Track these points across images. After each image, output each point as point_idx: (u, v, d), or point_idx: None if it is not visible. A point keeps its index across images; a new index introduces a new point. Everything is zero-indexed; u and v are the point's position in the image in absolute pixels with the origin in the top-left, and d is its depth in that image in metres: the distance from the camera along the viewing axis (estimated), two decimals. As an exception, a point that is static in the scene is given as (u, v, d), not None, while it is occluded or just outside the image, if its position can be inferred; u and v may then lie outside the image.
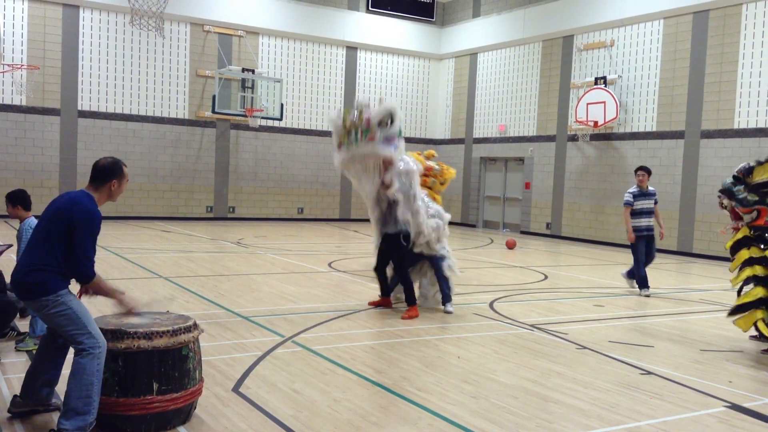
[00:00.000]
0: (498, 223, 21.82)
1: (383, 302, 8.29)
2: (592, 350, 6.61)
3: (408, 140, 24.48)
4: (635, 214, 9.97)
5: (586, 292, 10.31)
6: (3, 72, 17.15)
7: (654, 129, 16.99)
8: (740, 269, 6.87)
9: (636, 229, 9.95)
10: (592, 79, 18.27)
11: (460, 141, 23.14)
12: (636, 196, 10.02)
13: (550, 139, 19.74)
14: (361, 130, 7.57)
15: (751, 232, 6.86)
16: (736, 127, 15.25)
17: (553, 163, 19.61)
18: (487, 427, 4.46)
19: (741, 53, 15.20)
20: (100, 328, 4.11)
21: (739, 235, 6.92)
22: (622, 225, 17.45)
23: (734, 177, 7.09)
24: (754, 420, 4.82)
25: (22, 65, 17.55)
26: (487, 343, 6.73)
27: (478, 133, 22.41)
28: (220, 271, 10.87)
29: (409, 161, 8.03)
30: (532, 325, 7.60)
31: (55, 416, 4.29)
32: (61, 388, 4.55)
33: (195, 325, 4.39)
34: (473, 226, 22.39)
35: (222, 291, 8.97)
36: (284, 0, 20.94)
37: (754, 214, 6.92)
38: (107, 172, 4.19)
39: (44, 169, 18.31)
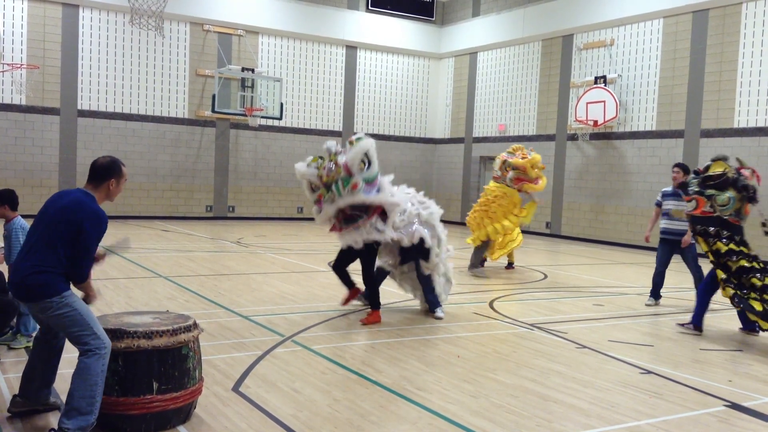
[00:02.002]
0: (498, 223, 21.79)
1: (352, 294, 7.82)
2: (592, 349, 6.61)
3: (407, 140, 24.69)
4: (663, 214, 9.16)
5: (586, 292, 10.31)
6: (3, 71, 17.15)
7: (654, 128, 16.99)
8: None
9: (661, 231, 9.15)
10: (592, 78, 18.27)
11: (459, 140, 23.14)
12: (665, 196, 9.20)
13: (549, 138, 19.74)
14: (341, 179, 6.89)
15: (697, 227, 7.27)
16: (735, 126, 15.25)
17: (552, 162, 19.60)
18: (487, 426, 4.46)
19: (741, 52, 15.20)
20: (100, 328, 4.11)
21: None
22: (621, 224, 17.50)
23: (694, 171, 7.57)
24: (753, 419, 4.82)
25: (22, 64, 17.54)
26: (486, 343, 6.73)
27: (477, 133, 22.41)
28: (219, 270, 10.87)
29: (402, 198, 7.58)
30: (531, 325, 7.60)
31: (55, 415, 4.29)
32: (59, 386, 4.55)
33: (195, 325, 4.39)
34: (473, 225, 22.35)
35: (222, 290, 8.97)
36: (284, -1, 20.95)
37: (693, 203, 7.32)
38: (105, 171, 4.18)
39: (44, 169, 18.30)
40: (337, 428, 4.33)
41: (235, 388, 5.01)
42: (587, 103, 18.05)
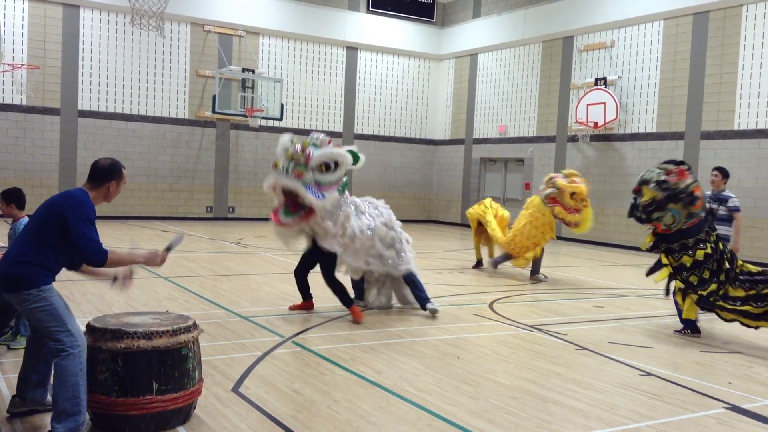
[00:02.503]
0: (498, 224, 21.79)
1: (305, 306, 7.93)
2: (592, 351, 6.61)
3: (408, 141, 24.70)
4: None
5: (586, 293, 10.31)
6: (3, 71, 17.15)
7: (654, 130, 16.99)
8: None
9: None
10: (593, 79, 18.27)
11: (460, 141, 23.14)
12: (705, 199, 9.19)
13: (550, 139, 19.74)
14: (296, 162, 7.08)
15: (662, 245, 7.42)
16: (736, 128, 15.25)
17: (553, 163, 19.60)
18: (486, 427, 4.46)
19: (741, 54, 15.20)
20: (99, 328, 4.11)
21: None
22: (621, 226, 17.48)
23: (633, 191, 7.61)
24: (753, 421, 4.82)
25: (23, 65, 17.55)
26: (486, 344, 6.73)
27: (478, 134, 22.41)
28: (219, 271, 10.87)
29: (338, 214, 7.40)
30: (531, 326, 7.60)
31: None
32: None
33: (195, 325, 4.39)
34: (473, 226, 22.35)
35: (222, 291, 8.97)
36: (284, 0, 20.94)
37: (652, 227, 7.51)
38: (106, 173, 4.18)
39: (44, 169, 18.31)
40: (336, 429, 4.33)
41: (235, 389, 5.01)
42: (587, 105, 18.06)
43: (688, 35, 16.28)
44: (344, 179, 7.51)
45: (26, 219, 5.97)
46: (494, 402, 4.97)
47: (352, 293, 8.13)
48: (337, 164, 7.25)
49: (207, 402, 4.65)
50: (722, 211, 8.73)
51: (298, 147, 7.17)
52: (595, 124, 17.88)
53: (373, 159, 22.96)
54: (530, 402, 5.02)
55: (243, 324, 7.15)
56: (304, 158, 7.08)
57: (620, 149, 17.79)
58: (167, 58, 19.69)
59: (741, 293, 7.11)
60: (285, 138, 7.34)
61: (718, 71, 15.63)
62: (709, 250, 7.23)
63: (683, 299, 7.45)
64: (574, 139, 18.93)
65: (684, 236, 7.26)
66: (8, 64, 17.19)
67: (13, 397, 4.37)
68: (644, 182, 7.44)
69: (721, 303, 7.12)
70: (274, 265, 11.69)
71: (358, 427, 4.37)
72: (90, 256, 3.99)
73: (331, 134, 21.89)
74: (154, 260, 4.34)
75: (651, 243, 7.54)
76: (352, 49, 22.40)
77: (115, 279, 4.45)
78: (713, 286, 7.16)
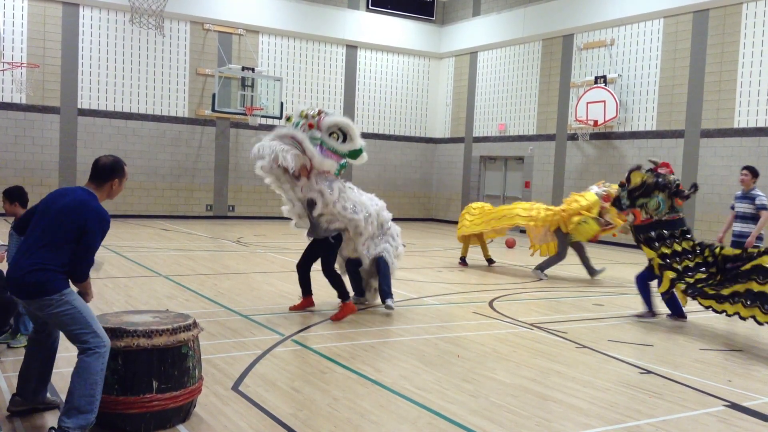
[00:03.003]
0: (498, 222, 21.79)
1: (305, 304, 7.83)
2: (592, 349, 6.62)
3: (407, 139, 24.68)
4: (736, 218, 9.09)
5: (586, 291, 10.31)
6: (3, 70, 17.14)
7: (654, 128, 16.99)
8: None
9: (734, 234, 9.07)
10: (592, 78, 18.27)
11: (459, 140, 23.14)
12: (736, 199, 9.14)
13: (550, 138, 19.74)
14: (307, 121, 7.27)
15: (640, 236, 7.73)
16: (735, 126, 15.25)
17: (553, 162, 19.61)
18: (486, 425, 4.46)
19: (741, 52, 15.20)
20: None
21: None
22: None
23: (620, 184, 8.04)
24: (753, 419, 4.82)
25: (22, 63, 17.54)
26: (486, 342, 6.73)
27: (477, 132, 22.41)
28: (219, 269, 10.87)
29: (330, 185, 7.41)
30: (531, 324, 7.60)
31: (53, 414, 4.29)
32: (60, 385, 4.55)
33: (194, 324, 4.39)
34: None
35: (221, 289, 8.97)
36: (284, -2, 20.94)
37: (631, 216, 7.86)
38: (109, 171, 4.17)
39: (44, 168, 18.31)
40: (336, 427, 4.33)
41: (235, 387, 5.01)
42: (587, 103, 18.06)
43: (688, 33, 16.27)
44: (343, 161, 7.53)
45: None
46: (494, 400, 4.98)
47: (351, 291, 8.12)
48: (345, 137, 7.36)
49: (207, 400, 4.65)
50: (749, 209, 8.91)
51: (315, 110, 7.36)
52: (595, 122, 17.88)
53: (372, 157, 22.85)
54: (530, 400, 5.02)
55: (243, 322, 7.15)
56: (317, 121, 7.23)
57: (620, 147, 17.78)
58: (167, 57, 19.67)
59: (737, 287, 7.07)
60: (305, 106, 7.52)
61: (717, 69, 15.63)
62: (681, 248, 7.51)
63: (669, 282, 7.57)
64: (574, 137, 18.93)
65: (664, 227, 7.60)
66: (8, 63, 17.17)
67: (13, 395, 4.37)
68: (635, 169, 7.89)
69: (709, 291, 7.16)
70: (274, 264, 11.69)
71: (359, 426, 4.37)
72: (78, 272, 4.06)
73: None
74: (90, 298, 4.32)
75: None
76: (351, 48, 22.38)
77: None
78: (701, 275, 7.34)
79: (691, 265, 7.43)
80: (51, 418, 4.25)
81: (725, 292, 7.03)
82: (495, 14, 21.54)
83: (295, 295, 8.74)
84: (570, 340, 6.93)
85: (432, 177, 24.22)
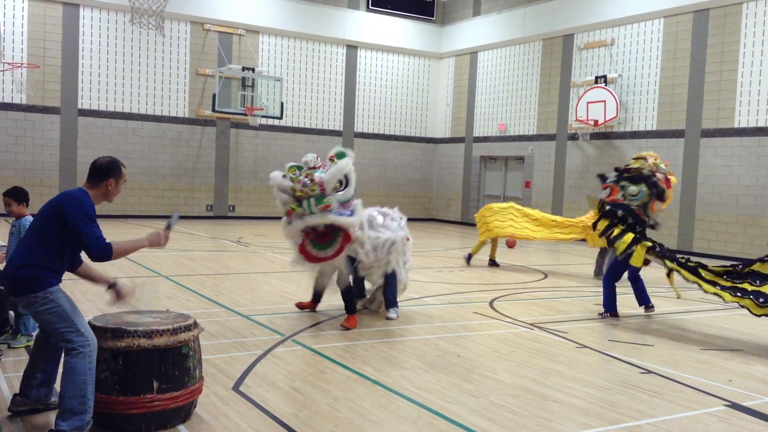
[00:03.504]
0: (498, 222, 21.79)
1: (309, 306, 7.82)
2: (592, 349, 6.62)
3: (408, 139, 24.68)
4: None
5: (586, 291, 10.31)
6: (3, 70, 17.15)
7: (654, 128, 16.99)
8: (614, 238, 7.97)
9: None
10: (593, 77, 18.27)
11: (460, 140, 23.14)
12: None
13: (550, 137, 19.74)
14: (314, 198, 6.62)
15: (606, 206, 8.06)
16: (736, 126, 15.24)
17: (553, 162, 19.61)
18: (487, 425, 4.46)
19: (741, 52, 15.19)
20: (100, 327, 4.11)
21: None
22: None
23: (615, 169, 8.38)
24: (753, 419, 4.82)
25: (23, 63, 17.54)
26: (487, 342, 6.73)
27: (478, 132, 22.41)
28: (220, 269, 10.87)
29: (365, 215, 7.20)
30: (532, 324, 7.60)
31: (54, 414, 4.29)
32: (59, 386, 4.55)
33: (195, 324, 4.39)
34: (474, 225, 22.35)
35: (222, 290, 8.97)
36: (284, -2, 20.94)
37: (608, 190, 8.18)
38: (104, 171, 4.18)
39: (44, 168, 18.31)
40: (337, 427, 4.33)
41: (236, 388, 5.01)
42: (588, 103, 18.06)
43: (689, 33, 16.27)
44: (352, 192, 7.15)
45: (30, 218, 5.99)
46: (495, 400, 4.98)
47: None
48: (347, 178, 6.88)
49: (207, 401, 4.65)
50: None
51: (306, 180, 6.69)
52: (596, 122, 17.88)
53: (373, 157, 22.97)
54: (531, 400, 5.02)
55: (243, 322, 7.15)
56: (319, 188, 6.63)
57: (620, 147, 17.78)
58: (167, 57, 19.68)
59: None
60: (278, 178, 6.90)
61: (718, 69, 15.63)
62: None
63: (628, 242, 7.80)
64: (574, 137, 18.93)
65: (629, 213, 7.87)
66: (8, 63, 17.18)
67: (15, 395, 4.37)
68: (643, 157, 8.20)
69: (681, 260, 7.49)
70: (274, 264, 11.69)
71: (359, 426, 4.38)
72: (94, 251, 3.98)
73: (332, 133, 21.93)
74: (159, 241, 4.29)
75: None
76: (352, 48, 22.39)
77: (112, 285, 4.36)
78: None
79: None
80: (52, 419, 4.25)
81: (705, 273, 7.25)
82: (495, 14, 21.54)
83: (296, 295, 8.74)
84: (570, 340, 6.93)
85: (432, 177, 24.22)
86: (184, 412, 4.29)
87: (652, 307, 8.47)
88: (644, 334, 7.44)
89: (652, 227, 8.09)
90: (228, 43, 20.44)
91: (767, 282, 6.82)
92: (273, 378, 5.28)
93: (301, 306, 7.90)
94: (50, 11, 18.16)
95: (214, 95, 19.52)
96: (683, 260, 7.54)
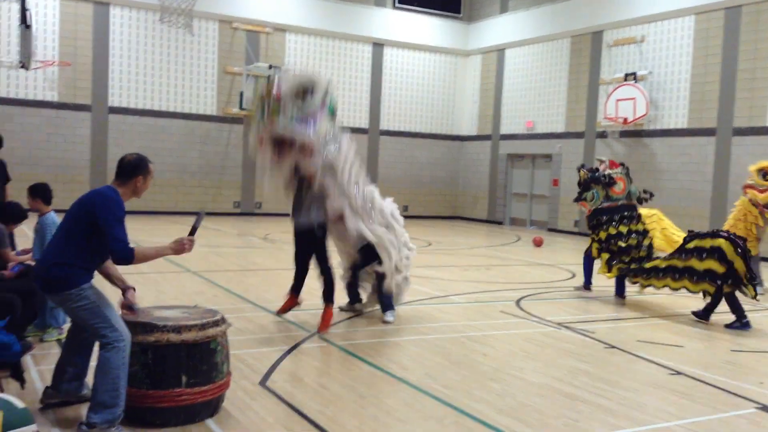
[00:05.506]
0: (525, 221, 21.68)
1: (289, 302, 7.24)
2: (621, 349, 6.55)
3: (434, 137, 24.55)
4: None
5: (614, 291, 10.18)
6: (35, 68, 17.43)
7: (685, 126, 16.74)
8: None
9: None
10: (622, 75, 18.05)
11: (486, 137, 23.02)
12: None
13: (578, 135, 19.56)
14: (269, 104, 6.29)
15: (588, 223, 9.23)
16: (769, 124, 14.97)
17: (581, 160, 19.38)
18: (513, 425, 4.44)
19: (775, 49, 14.91)
20: (130, 322, 4.16)
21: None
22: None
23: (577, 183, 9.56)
24: (786, 422, 4.74)
25: (54, 61, 17.83)
26: (513, 341, 6.70)
27: (505, 130, 22.27)
28: (247, 266, 10.95)
29: (338, 146, 6.67)
30: (559, 324, 7.54)
31: (86, 407, 4.35)
32: (91, 378, 4.61)
33: (223, 320, 4.43)
34: (500, 223, 22.28)
35: (249, 286, 9.04)
36: (312, -4, 21.01)
37: (582, 208, 9.56)
38: (133, 168, 4.22)
39: (75, 165, 18.58)
40: (362, 424, 4.34)
41: (262, 383, 5.04)
42: (617, 100, 17.85)
43: (720, 30, 16.00)
44: (329, 102, 6.65)
45: (52, 214, 6.08)
46: (521, 399, 4.95)
47: (345, 298, 7.74)
48: (312, 89, 6.41)
49: (235, 395, 4.69)
50: None
51: (263, 90, 6.44)
52: (625, 119, 17.67)
53: (399, 155, 22.95)
54: (558, 400, 4.98)
55: (270, 318, 7.19)
56: (275, 97, 6.29)
57: (650, 145, 17.56)
58: (195, 55, 19.85)
59: (661, 263, 8.32)
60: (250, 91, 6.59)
61: (750, 66, 15.35)
62: (616, 231, 8.80)
63: (607, 265, 8.96)
64: (603, 135, 18.73)
65: (600, 215, 8.96)
66: (40, 61, 17.46)
67: (46, 388, 4.44)
68: (579, 168, 9.47)
69: (643, 272, 8.45)
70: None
71: (385, 423, 4.38)
72: (117, 254, 4.02)
73: (358, 131, 21.95)
74: (182, 249, 4.17)
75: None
76: (378, 46, 22.38)
77: (127, 290, 4.37)
78: (629, 258, 8.71)
79: (623, 245, 8.74)
80: (83, 412, 4.30)
81: (647, 265, 8.39)
82: (523, 11, 21.38)
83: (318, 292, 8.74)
84: (598, 340, 6.87)
85: (458, 175, 24.14)
86: (212, 407, 4.33)
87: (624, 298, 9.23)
88: (673, 335, 7.35)
89: (640, 201, 9.21)
90: (255, 41, 20.56)
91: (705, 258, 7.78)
92: (299, 374, 5.31)
93: (282, 309, 7.32)
94: (81, 10, 18.42)
95: (241, 93, 19.65)
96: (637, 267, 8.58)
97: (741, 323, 7.73)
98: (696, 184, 16.23)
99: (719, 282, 7.70)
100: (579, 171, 9.44)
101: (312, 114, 6.41)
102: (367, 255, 7.19)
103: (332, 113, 6.72)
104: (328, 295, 6.99)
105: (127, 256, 3.98)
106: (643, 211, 11.76)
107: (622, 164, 9.42)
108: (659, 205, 17.05)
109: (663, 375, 5.76)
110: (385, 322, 7.21)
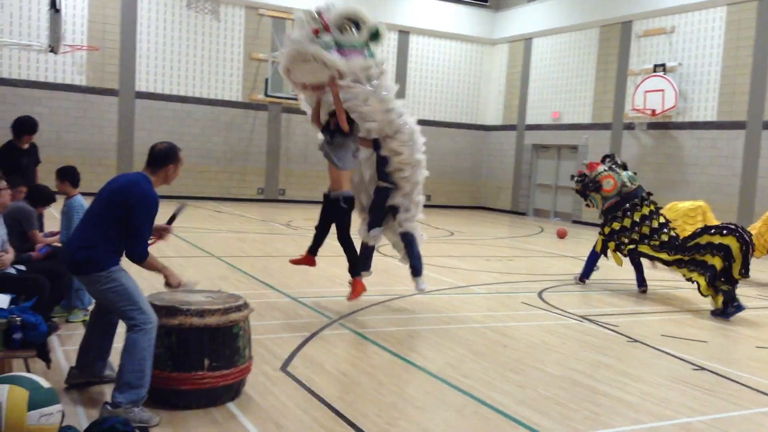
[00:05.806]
0: (549, 212, 21.54)
1: (305, 260, 7.33)
2: (643, 343, 6.49)
3: (458, 126, 24.44)
4: None
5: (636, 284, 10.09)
6: (64, 52, 17.62)
7: (714, 119, 16.49)
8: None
9: None
10: (651, 66, 17.80)
11: (512, 127, 22.86)
12: None
13: (605, 127, 19.35)
14: (310, 27, 6.33)
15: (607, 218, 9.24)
16: (801, 118, 14.69)
17: (608, 151, 19.19)
18: (533, 417, 4.43)
19: (809, 41, 14.60)
20: (154, 305, 4.21)
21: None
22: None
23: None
24: (811, 421, 4.67)
25: (83, 46, 18.01)
26: (535, 333, 6.67)
27: (530, 120, 22.10)
28: (270, 252, 11.01)
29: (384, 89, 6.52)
30: (581, 316, 7.50)
31: (109, 388, 4.41)
32: (114, 359, 4.68)
33: (245, 304, 4.46)
34: (524, 214, 22.15)
35: (272, 272, 9.09)
36: (338, -17, 20.93)
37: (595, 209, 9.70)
38: (165, 157, 4.26)
39: (102, 148, 18.79)
40: (381, 411, 4.35)
41: (283, 368, 5.08)
42: (645, 92, 17.62)
43: (752, 21, 15.70)
44: (368, 52, 6.58)
45: (79, 197, 6.17)
46: (542, 391, 4.93)
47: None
48: (358, 24, 6.38)
49: (256, 380, 4.72)
50: None
51: (313, 12, 6.48)
52: (653, 111, 17.45)
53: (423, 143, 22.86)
54: (579, 393, 4.96)
55: (292, 304, 7.23)
56: (323, 25, 6.29)
57: (678, 138, 17.33)
58: (222, 42, 19.92)
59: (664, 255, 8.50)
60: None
61: (784, 58, 15.05)
62: (619, 226, 8.94)
63: (602, 246, 9.24)
64: (630, 126, 18.51)
65: (608, 211, 9.12)
66: (69, 46, 17.64)
67: (71, 368, 4.51)
68: (572, 178, 9.80)
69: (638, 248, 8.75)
70: (322, 248, 11.74)
71: (403, 411, 4.39)
72: (135, 253, 4.11)
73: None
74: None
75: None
76: (404, 33, 22.28)
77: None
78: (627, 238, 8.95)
79: (637, 234, 8.84)
80: (107, 392, 4.38)
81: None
82: (551, 0, 21.15)
83: (343, 279, 8.78)
84: (621, 334, 6.81)
85: (482, 164, 24.02)
86: (234, 391, 4.37)
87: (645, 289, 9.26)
88: (697, 330, 7.27)
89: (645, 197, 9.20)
90: (281, 28, 20.52)
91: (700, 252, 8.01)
92: (320, 360, 5.34)
93: (295, 261, 7.42)
94: (110, -5, 18.57)
95: (266, 80, 19.70)
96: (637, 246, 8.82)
97: (725, 312, 7.79)
98: (724, 179, 15.99)
99: (710, 275, 7.86)
100: (574, 181, 9.63)
101: (349, 50, 6.32)
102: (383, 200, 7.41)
103: (372, 57, 6.58)
104: (353, 268, 7.00)
105: (143, 258, 4.13)
106: (685, 203, 11.63)
107: (605, 157, 9.49)
108: (685, 199, 16.88)
109: (686, 370, 5.71)
110: (420, 290, 7.31)
